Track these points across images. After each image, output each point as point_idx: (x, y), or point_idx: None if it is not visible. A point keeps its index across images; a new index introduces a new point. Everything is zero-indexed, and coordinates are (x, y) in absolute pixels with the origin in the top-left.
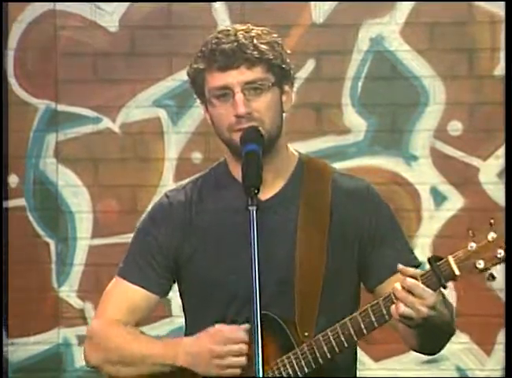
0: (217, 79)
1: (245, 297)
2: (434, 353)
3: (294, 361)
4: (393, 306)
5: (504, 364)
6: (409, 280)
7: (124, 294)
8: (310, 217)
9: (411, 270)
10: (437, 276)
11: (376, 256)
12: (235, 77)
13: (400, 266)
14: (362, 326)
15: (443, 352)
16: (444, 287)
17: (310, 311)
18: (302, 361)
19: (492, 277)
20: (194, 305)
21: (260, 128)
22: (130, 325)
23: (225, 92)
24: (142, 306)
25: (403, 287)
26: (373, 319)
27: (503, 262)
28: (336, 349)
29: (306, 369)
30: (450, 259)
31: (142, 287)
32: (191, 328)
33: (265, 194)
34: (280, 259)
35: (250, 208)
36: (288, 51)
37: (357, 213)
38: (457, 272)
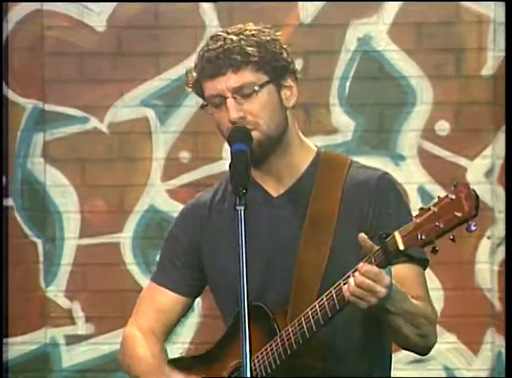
0: (209, 88)
1: (255, 296)
2: (418, 343)
3: (274, 348)
4: (344, 286)
5: (492, 364)
6: (365, 267)
7: (153, 298)
8: (319, 212)
9: (369, 243)
10: (386, 253)
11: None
12: (224, 83)
13: (361, 235)
14: (327, 309)
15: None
16: (391, 264)
17: (307, 303)
18: (280, 348)
19: (435, 251)
20: (217, 303)
21: (248, 127)
22: (159, 330)
23: (219, 99)
24: (171, 308)
25: (358, 271)
26: (336, 301)
27: (445, 233)
28: (307, 334)
29: (282, 356)
30: (397, 234)
31: (169, 288)
32: (224, 324)
33: (277, 191)
34: (284, 255)
35: (238, 208)
36: (284, 46)
37: (362, 203)
38: (401, 247)
